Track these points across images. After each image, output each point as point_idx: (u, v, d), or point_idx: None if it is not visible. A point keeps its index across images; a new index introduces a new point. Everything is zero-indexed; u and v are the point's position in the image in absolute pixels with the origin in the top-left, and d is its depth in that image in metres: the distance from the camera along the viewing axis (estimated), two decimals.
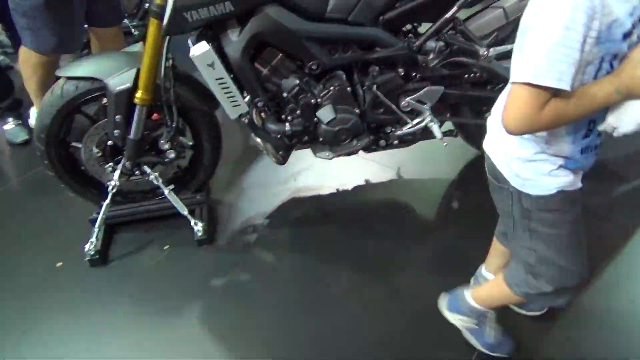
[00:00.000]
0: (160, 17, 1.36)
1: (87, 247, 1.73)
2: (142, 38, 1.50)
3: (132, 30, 3.01)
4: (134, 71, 1.53)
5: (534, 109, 0.82)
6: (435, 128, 1.68)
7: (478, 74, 1.66)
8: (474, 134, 1.94)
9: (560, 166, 0.97)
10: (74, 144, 1.75)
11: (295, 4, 1.39)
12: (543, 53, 0.79)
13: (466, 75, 1.67)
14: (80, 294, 1.65)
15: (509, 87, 0.87)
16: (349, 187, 2.01)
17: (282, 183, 2.04)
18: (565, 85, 0.80)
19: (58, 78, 1.61)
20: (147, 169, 1.75)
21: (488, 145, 1.08)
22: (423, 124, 1.70)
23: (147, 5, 1.41)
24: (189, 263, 1.74)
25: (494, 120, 1.05)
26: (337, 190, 2.00)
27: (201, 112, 1.69)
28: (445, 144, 1.69)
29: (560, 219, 1.03)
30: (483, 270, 1.47)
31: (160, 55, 1.50)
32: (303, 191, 2.01)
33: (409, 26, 1.65)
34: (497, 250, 1.40)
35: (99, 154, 1.73)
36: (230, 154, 2.03)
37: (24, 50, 1.98)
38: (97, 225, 1.75)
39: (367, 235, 1.79)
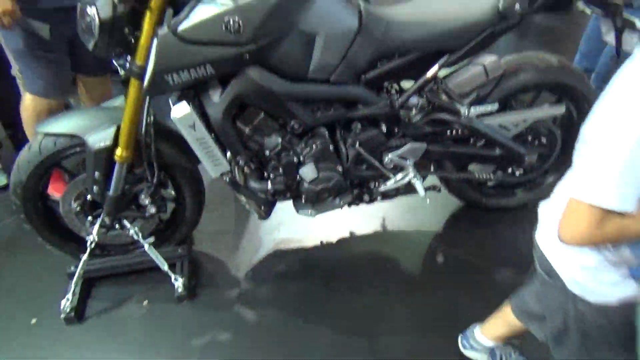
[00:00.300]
0: (140, 77, 1.36)
1: (63, 303, 1.67)
2: (128, 80, 1.47)
3: (119, 69, 2.99)
4: (113, 128, 1.51)
5: (592, 227, 0.79)
6: (418, 184, 1.68)
7: (460, 131, 1.67)
8: (458, 187, 1.94)
9: (624, 275, 0.91)
10: (51, 193, 1.71)
11: (277, 65, 1.39)
12: (610, 175, 0.75)
13: (448, 132, 1.68)
14: (55, 353, 1.59)
15: (567, 192, 0.82)
16: (333, 238, 1.98)
17: (266, 234, 2.01)
18: (630, 207, 0.76)
19: None
20: (127, 223, 1.72)
21: (542, 239, 1.00)
22: (406, 179, 1.70)
23: (128, 63, 1.39)
24: (168, 321, 1.69)
25: (550, 214, 0.98)
26: (321, 242, 1.97)
27: (183, 167, 1.67)
28: (427, 201, 1.68)
29: (619, 326, 0.95)
30: (478, 332, 1.40)
31: (141, 113, 1.48)
32: (287, 242, 1.98)
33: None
34: (506, 321, 1.31)
35: (78, 208, 1.69)
36: (213, 204, 2.00)
37: (26, 95, 1.97)
38: (74, 281, 1.70)
39: (352, 289, 1.75)
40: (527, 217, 1.99)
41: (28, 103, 1.95)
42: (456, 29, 1.49)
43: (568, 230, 0.83)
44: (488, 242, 1.93)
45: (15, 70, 2.00)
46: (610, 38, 1.77)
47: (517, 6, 1.46)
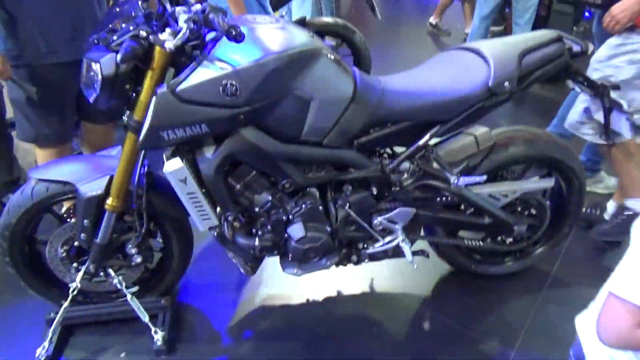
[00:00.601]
0: (137, 131, 1.39)
1: (38, 351, 1.63)
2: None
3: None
4: (106, 178, 1.53)
5: (628, 327, 0.78)
6: (406, 249, 1.68)
7: (449, 198, 1.68)
8: (447, 252, 1.94)
9: None
10: (40, 240, 1.71)
11: (271, 127, 1.42)
12: None
13: (438, 198, 1.69)
14: None
15: (606, 287, 0.81)
16: (320, 297, 1.95)
17: (252, 290, 1.98)
18: None
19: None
20: (111, 271, 1.70)
21: (582, 322, 0.98)
22: (394, 243, 1.70)
23: (125, 118, 1.43)
24: None
25: (595, 307, 0.94)
26: (308, 300, 1.94)
27: (173, 218, 1.68)
28: (415, 266, 1.67)
29: None
30: None
31: (135, 165, 1.51)
32: (272, 299, 1.95)
33: None
34: None
35: (64, 254, 1.68)
36: (200, 256, 1.99)
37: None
38: (52, 328, 1.67)
39: (336, 352, 1.72)
40: (515, 286, 2.00)
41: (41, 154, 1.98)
42: (447, 102, 1.53)
43: (603, 328, 0.82)
44: (476, 310, 1.91)
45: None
46: (599, 117, 1.83)
47: (507, 84, 1.51)
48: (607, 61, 1.90)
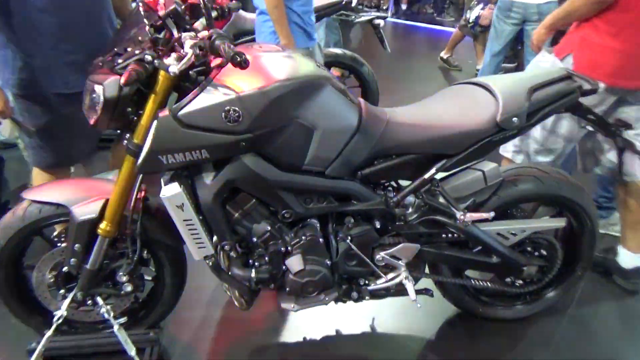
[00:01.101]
0: (136, 155, 1.43)
1: None
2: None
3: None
4: (101, 202, 1.56)
5: None
6: (409, 287, 1.68)
7: (456, 235, 1.70)
8: (453, 292, 1.93)
9: None
10: (28, 265, 1.73)
11: (272, 154, 1.46)
12: None
13: (443, 235, 1.71)
14: None
15: None
16: (318, 336, 1.94)
17: (247, 324, 1.98)
18: None
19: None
20: (99, 300, 1.70)
21: None
22: (397, 280, 1.70)
23: (125, 141, 1.48)
24: None
25: None
26: (304, 338, 1.93)
27: (167, 246, 1.70)
28: (418, 305, 1.67)
29: None
30: None
31: (132, 189, 1.54)
32: (268, 336, 1.94)
33: None
34: None
35: (52, 280, 1.69)
36: (194, 288, 1.99)
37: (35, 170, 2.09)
38: (32, 359, 1.66)
39: None
40: (526, 331, 1.99)
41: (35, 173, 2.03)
42: (454, 135, 1.57)
43: None
44: (482, 356, 1.89)
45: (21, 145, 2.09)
46: (612, 157, 1.86)
47: (515, 119, 1.55)
48: None
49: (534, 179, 1.74)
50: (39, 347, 1.67)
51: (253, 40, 2.82)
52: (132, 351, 1.70)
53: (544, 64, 2.02)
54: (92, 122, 1.42)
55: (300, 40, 2.44)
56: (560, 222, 1.83)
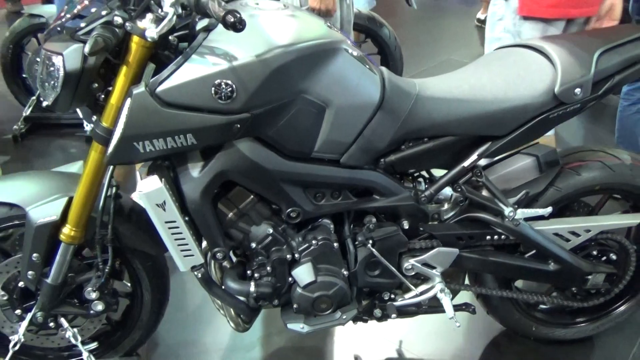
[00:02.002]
0: (105, 142, 1.41)
1: None
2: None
3: (84, 123, 3.13)
4: (64, 200, 1.56)
5: None
6: (446, 301, 1.67)
7: (503, 237, 1.68)
8: (500, 307, 1.92)
9: None
10: None
11: (274, 139, 1.45)
12: None
13: (488, 237, 1.69)
14: None
15: None
16: None
17: (244, 350, 1.98)
18: None
19: None
20: (64, 322, 1.71)
21: None
22: (430, 293, 1.69)
23: (89, 127, 1.46)
24: None
25: None
26: None
27: (145, 254, 1.70)
28: (457, 324, 1.66)
29: None
30: None
31: (101, 185, 1.53)
32: None
33: None
34: None
35: (5, 297, 1.70)
36: (177, 306, 2.00)
37: None
38: None
39: None
40: (590, 356, 1.97)
41: None
42: (501, 112, 1.55)
43: None
44: None
45: None
46: None
47: (578, 90, 1.53)
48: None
49: (601, 165, 1.72)
50: None
51: None
52: None
53: (498, 9, 2.18)
54: (50, 100, 1.40)
55: None
56: (634, 219, 1.80)
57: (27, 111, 3.40)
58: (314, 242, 1.57)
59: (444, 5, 6.83)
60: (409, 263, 1.66)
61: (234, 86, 1.34)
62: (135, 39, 1.35)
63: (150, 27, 1.28)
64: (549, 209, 1.61)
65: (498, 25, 2.20)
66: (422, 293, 1.69)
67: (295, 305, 1.62)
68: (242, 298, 1.63)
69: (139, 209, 1.55)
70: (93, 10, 1.39)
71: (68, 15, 1.42)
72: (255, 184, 1.50)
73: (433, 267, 1.67)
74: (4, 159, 3.18)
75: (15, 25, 3.33)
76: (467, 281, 1.84)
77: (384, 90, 1.50)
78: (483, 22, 5.37)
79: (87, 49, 1.28)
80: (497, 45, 2.06)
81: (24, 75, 3.44)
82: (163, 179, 1.43)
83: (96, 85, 1.40)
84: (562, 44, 1.62)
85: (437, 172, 1.67)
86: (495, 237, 1.69)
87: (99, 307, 1.68)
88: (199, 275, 1.58)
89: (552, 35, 1.83)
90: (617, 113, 2.90)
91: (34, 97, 3.36)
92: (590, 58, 1.55)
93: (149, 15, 1.31)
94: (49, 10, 3.32)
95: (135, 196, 1.45)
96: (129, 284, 1.79)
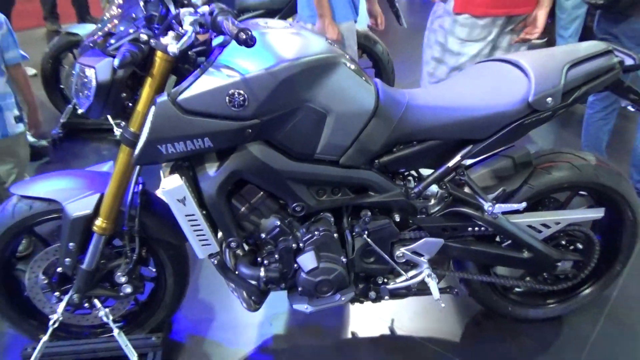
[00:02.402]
0: (132, 145, 1.40)
1: None
2: None
3: (114, 128, 3.11)
4: (96, 196, 1.55)
5: None
6: (432, 285, 1.66)
7: (483, 228, 1.67)
8: (480, 290, 1.90)
9: None
10: (19, 266, 1.73)
11: (282, 142, 1.43)
12: None
13: (469, 228, 1.67)
14: None
15: None
16: (332, 339, 1.93)
17: (255, 327, 1.97)
18: None
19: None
20: (97, 303, 1.70)
21: None
22: (419, 278, 1.68)
23: (120, 130, 1.45)
24: None
25: None
26: (318, 342, 1.92)
27: (168, 244, 1.68)
28: (442, 305, 1.65)
29: None
30: None
31: (129, 183, 1.52)
32: (278, 340, 1.93)
33: None
34: None
35: (46, 282, 1.69)
36: (197, 289, 1.98)
37: None
38: None
39: None
40: (559, 333, 1.95)
41: None
42: (481, 119, 1.53)
43: None
44: None
45: None
46: None
47: (549, 99, 1.51)
48: None
49: (570, 165, 1.70)
50: (35, 352, 1.68)
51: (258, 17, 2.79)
52: (133, 357, 1.70)
53: (439, 13, 2.35)
54: (83, 108, 1.39)
55: (343, 13, 2.42)
56: (597, 213, 1.78)
57: (64, 118, 3.38)
58: (316, 233, 1.56)
59: None
60: (400, 251, 1.64)
61: (245, 95, 1.33)
62: (158, 53, 1.34)
63: (171, 43, 1.27)
64: (523, 204, 1.60)
65: (437, 21, 2.38)
66: (411, 277, 1.68)
67: (300, 288, 1.61)
68: (253, 282, 1.62)
69: (163, 204, 1.54)
70: (122, 28, 1.38)
71: (100, 33, 1.41)
72: (265, 181, 1.49)
73: (421, 255, 1.66)
74: (44, 160, 3.17)
75: (54, 42, 3.32)
76: (451, 267, 1.82)
77: (378, 100, 1.49)
78: None
79: (116, 62, 1.27)
80: (433, 37, 2.40)
81: (61, 86, 3.43)
82: (183, 178, 1.42)
83: (124, 94, 1.39)
84: (535, 58, 1.60)
85: (425, 172, 1.66)
86: (476, 228, 1.67)
87: (128, 289, 1.67)
88: (215, 262, 1.57)
89: (526, 51, 1.81)
90: (583, 120, 2.89)
91: (70, 105, 3.35)
92: (560, 71, 1.54)
93: (171, 33, 1.30)
94: (84, 28, 3.32)
95: (159, 192, 1.44)
96: (154, 270, 1.78)
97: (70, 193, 1.56)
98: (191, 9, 1.32)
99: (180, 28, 1.30)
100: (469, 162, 1.69)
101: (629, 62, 1.62)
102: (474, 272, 1.81)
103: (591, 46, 1.62)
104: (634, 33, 2.59)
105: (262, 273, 1.57)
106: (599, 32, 2.74)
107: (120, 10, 1.44)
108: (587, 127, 2.89)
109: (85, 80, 1.37)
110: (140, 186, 1.59)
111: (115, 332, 1.70)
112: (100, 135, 3.43)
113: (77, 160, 3.19)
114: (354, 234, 1.62)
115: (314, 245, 1.56)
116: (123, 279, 1.65)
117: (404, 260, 1.66)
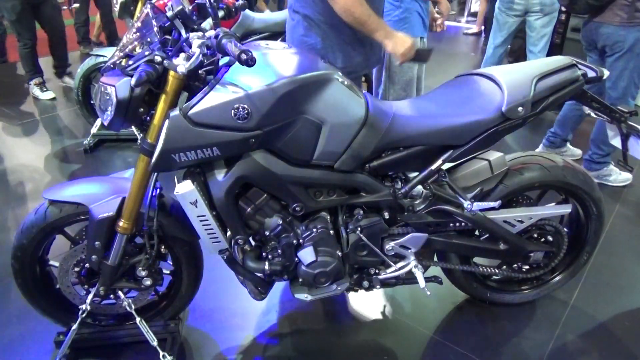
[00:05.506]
0: (150, 154, 1.38)
1: None
2: None
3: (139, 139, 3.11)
4: (118, 200, 1.53)
5: None
6: (419, 275, 1.63)
7: (463, 223, 1.64)
8: (462, 279, 1.88)
9: None
10: (52, 262, 1.71)
11: (282, 150, 1.41)
12: None
13: (451, 224, 1.65)
14: None
15: None
16: (330, 324, 1.90)
17: (263, 314, 1.94)
18: None
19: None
20: (121, 294, 1.68)
21: None
22: (407, 268, 1.65)
23: (139, 142, 1.43)
24: None
25: None
26: (319, 326, 1.89)
27: (183, 241, 1.66)
28: (428, 293, 1.62)
29: None
30: None
31: (147, 187, 1.50)
32: (282, 325, 1.90)
33: None
34: None
35: (75, 276, 1.67)
36: (210, 280, 1.96)
37: None
38: (61, 350, 1.65)
39: None
40: (532, 315, 1.93)
41: None
42: (460, 126, 1.50)
43: None
44: (491, 340, 1.83)
45: None
46: (616, 143, 1.78)
47: (520, 109, 1.48)
48: None
49: (540, 167, 1.67)
50: (67, 339, 1.66)
51: (261, 39, 2.76)
52: (154, 342, 1.68)
53: None
54: (105, 122, 1.37)
55: (417, 29, 2.35)
56: (565, 209, 1.76)
57: (94, 129, 3.37)
58: (314, 230, 1.53)
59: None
60: (390, 245, 1.62)
61: (249, 109, 1.31)
62: (171, 73, 1.32)
63: (182, 64, 1.25)
64: (499, 202, 1.57)
65: None
66: (400, 268, 1.65)
67: (300, 280, 1.58)
68: (259, 274, 1.60)
69: (178, 206, 1.52)
70: (139, 50, 1.36)
71: (120, 54, 1.39)
72: (268, 185, 1.46)
73: (408, 248, 1.64)
74: (77, 167, 3.15)
75: (85, 63, 3.31)
76: (435, 259, 1.79)
77: (368, 111, 1.46)
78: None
79: (133, 81, 1.25)
80: None
81: (92, 102, 3.42)
82: (195, 183, 1.40)
83: (142, 109, 1.37)
84: (508, 72, 1.58)
85: (411, 175, 1.63)
86: (457, 224, 1.65)
87: (148, 282, 1.65)
88: (225, 257, 1.55)
89: (499, 66, 1.77)
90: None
91: (99, 119, 3.34)
92: (530, 83, 1.51)
93: (182, 54, 1.28)
94: (109, 51, 3.30)
95: (174, 196, 1.42)
96: (171, 264, 1.76)
97: (95, 197, 1.54)
98: (200, 33, 1.30)
99: (190, 50, 1.28)
100: (449, 165, 1.67)
101: (591, 74, 1.59)
102: (456, 262, 1.79)
103: (557, 61, 1.60)
104: (603, 37, 2.60)
105: (266, 266, 1.55)
106: (583, 40, 2.85)
107: (137, 34, 1.42)
108: (565, 111, 3.07)
109: (107, 97, 1.34)
110: (158, 190, 1.57)
111: (137, 319, 1.68)
112: (126, 145, 3.42)
113: (106, 167, 3.17)
114: (348, 230, 1.59)
115: (313, 241, 1.53)
116: (143, 273, 1.62)
117: (393, 253, 1.64)
